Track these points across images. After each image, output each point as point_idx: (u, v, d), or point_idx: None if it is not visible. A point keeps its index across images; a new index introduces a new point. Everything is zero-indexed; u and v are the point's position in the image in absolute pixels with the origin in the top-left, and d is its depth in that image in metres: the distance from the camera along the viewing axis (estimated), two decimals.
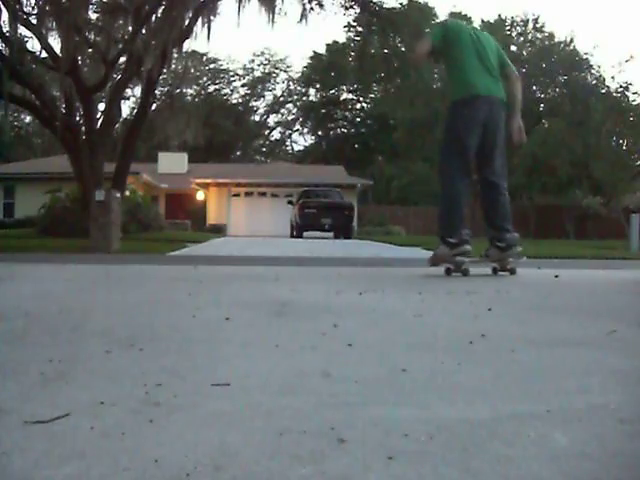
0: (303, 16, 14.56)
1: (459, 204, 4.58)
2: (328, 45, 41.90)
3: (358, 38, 27.22)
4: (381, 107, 36.03)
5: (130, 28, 13.21)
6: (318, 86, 46.53)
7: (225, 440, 1.02)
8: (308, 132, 49.03)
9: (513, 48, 26.39)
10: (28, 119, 38.23)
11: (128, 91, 20.68)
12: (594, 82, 25.09)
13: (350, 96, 46.43)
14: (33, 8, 12.70)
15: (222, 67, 46.68)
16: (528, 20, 26.67)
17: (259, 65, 48.03)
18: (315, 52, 44.34)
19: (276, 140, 51.46)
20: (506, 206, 4.79)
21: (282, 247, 10.22)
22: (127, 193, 14.98)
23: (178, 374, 1.45)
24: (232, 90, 48.04)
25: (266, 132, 50.90)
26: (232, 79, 47.55)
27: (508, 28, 26.74)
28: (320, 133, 47.68)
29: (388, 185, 37.84)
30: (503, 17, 27.06)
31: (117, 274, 4.36)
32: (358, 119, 46.50)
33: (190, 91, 39.30)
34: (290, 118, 50.13)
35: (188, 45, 27.69)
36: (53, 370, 1.47)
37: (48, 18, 12.00)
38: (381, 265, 5.97)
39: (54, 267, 4.84)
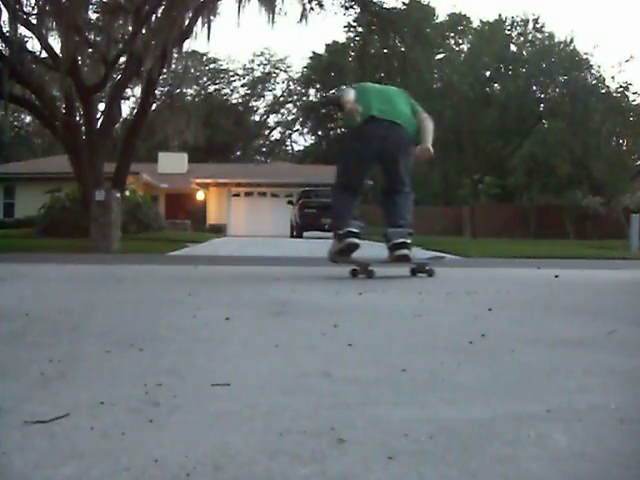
0: (303, 16, 14.56)
1: (347, 194, 4.68)
2: (328, 45, 41.87)
3: (358, 38, 27.20)
4: None
5: (130, 28, 13.21)
6: (318, 86, 46.51)
7: (225, 440, 1.02)
8: (308, 132, 49.01)
9: (513, 48, 26.37)
10: (28, 119, 38.22)
11: (128, 91, 20.69)
12: (594, 82, 25.06)
13: None
14: (33, 8, 12.70)
15: (222, 67, 46.68)
16: (528, 20, 26.60)
17: (259, 65, 48.03)
18: (315, 52, 44.33)
19: (276, 140, 51.45)
20: (399, 204, 4.64)
21: (282, 247, 10.22)
22: (127, 193, 14.98)
23: (178, 374, 1.45)
24: (232, 90, 48.03)
25: (266, 132, 50.90)
26: (232, 79, 47.55)
27: (508, 28, 26.68)
28: (320, 133, 47.66)
29: None
30: (503, 17, 27.02)
31: (117, 274, 4.36)
32: None
33: (190, 91, 39.28)
34: (290, 118, 50.12)
35: (188, 45, 27.69)
36: (53, 370, 1.47)
37: (48, 18, 12.00)
38: (381, 265, 5.96)
39: (54, 267, 4.83)
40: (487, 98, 25.45)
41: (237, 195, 29.60)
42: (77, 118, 13.73)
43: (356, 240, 4.52)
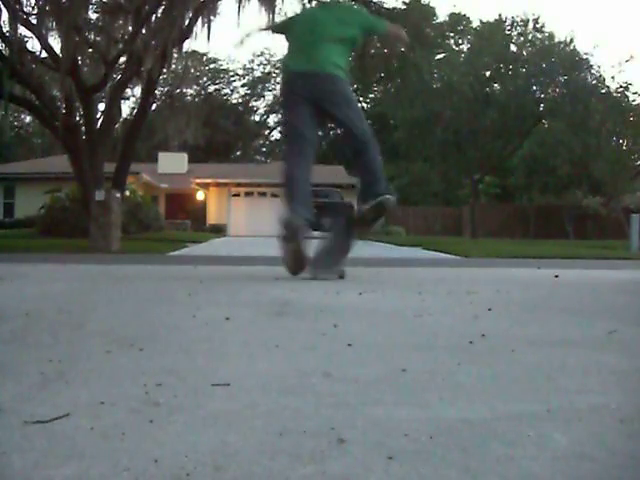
0: None
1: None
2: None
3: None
4: (381, 107, 36.02)
5: (130, 28, 13.21)
6: None
7: (225, 440, 1.02)
8: None
9: (513, 48, 26.38)
10: (28, 119, 38.23)
11: (128, 91, 20.70)
12: (594, 82, 25.07)
13: None
14: (33, 8, 12.70)
15: (222, 67, 46.68)
16: (528, 20, 26.62)
17: (259, 65, 48.01)
18: None
19: (276, 140, 51.45)
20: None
21: None
22: (127, 193, 14.99)
23: (178, 374, 1.45)
24: (232, 90, 48.04)
25: (266, 132, 50.90)
26: (232, 79, 47.55)
27: (508, 28, 26.70)
28: (320, 133, 47.65)
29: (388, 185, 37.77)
30: (503, 17, 27.04)
31: (117, 274, 4.36)
32: None
33: (190, 91, 39.29)
34: None
35: (188, 45, 27.66)
36: (53, 370, 1.47)
37: (48, 18, 12.00)
38: (381, 265, 5.97)
39: (54, 267, 4.84)
40: (487, 98, 25.45)
41: (237, 195, 29.62)
42: (77, 118, 13.73)
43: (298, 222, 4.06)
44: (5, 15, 11.63)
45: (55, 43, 13.26)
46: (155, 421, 1.11)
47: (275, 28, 4.95)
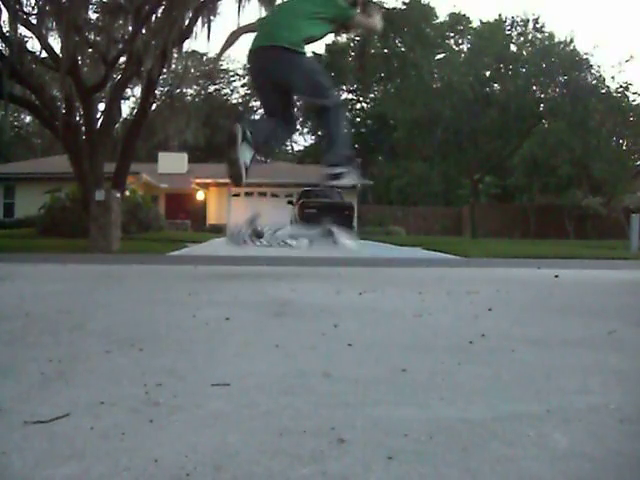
0: None
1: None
2: (328, 45, 41.89)
3: (358, 38, 27.23)
4: (381, 107, 36.03)
5: (130, 28, 13.21)
6: None
7: (225, 440, 1.02)
8: (308, 132, 49.05)
9: (513, 48, 26.38)
10: (28, 119, 38.23)
11: (128, 91, 20.68)
12: (594, 82, 25.08)
13: (350, 96, 46.42)
14: (33, 8, 12.70)
15: (222, 67, 46.68)
16: (528, 20, 26.63)
17: None
18: (315, 52, 44.31)
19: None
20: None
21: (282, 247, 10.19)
22: (127, 193, 14.99)
23: (178, 374, 1.45)
24: (232, 90, 48.06)
25: None
26: (232, 79, 47.56)
27: (508, 28, 26.71)
28: (320, 133, 47.66)
29: (388, 185, 37.84)
30: (503, 17, 27.05)
31: (117, 274, 4.36)
32: (358, 119, 46.50)
33: (190, 91, 39.30)
34: None
35: (188, 45, 27.72)
36: (53, 370, 1.47)
37: (48, 18, 11.99)
38: (381, 265, 5.97)
39: (54, 267, 4.83)
40: (487, 98, 25.46)
41: (237, 195, 29.61)
42: (77, 118, 13.72)
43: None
44: (5, 15, 11.63)
45: (55, 43, 13.28)
46: (155, 421, 1.11)
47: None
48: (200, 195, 29.31)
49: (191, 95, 39.63)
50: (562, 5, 60.68)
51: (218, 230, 25.32)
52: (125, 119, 23.58)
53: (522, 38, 26.60)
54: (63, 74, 11.91)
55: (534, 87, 26.09)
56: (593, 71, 25.15)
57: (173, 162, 30.86)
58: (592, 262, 6.99)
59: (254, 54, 4.21)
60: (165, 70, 14.56)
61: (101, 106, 16.08)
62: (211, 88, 46.50)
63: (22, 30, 13.04)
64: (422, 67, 24.49)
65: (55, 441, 1.00)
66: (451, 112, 25.14)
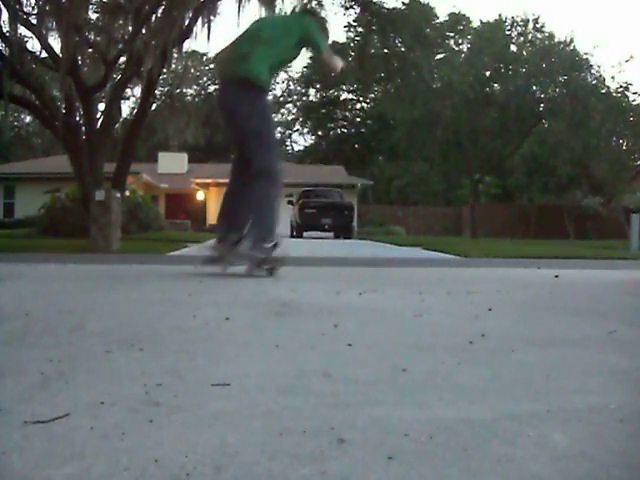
0: None
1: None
2: (328, 45, 41.84)
3: (358, 38, 27.23)
4: (381, 107, 36.04)
5: (130, 28, 13.21)
6: (318, 86, 46.52)
7: (225, 440, 1.02)
8: (308, 132, 49.09)
9: (513, 48, 26.38)
10: (28, 119, 38.23)
11: (128, 91, 20.66)
12: (594, 82, 25.07)
13: (350, 96, 46.44)
14: (33, 8, 12.70)
15: None
16: (528, 20, 26.62)
17: None
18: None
19: (276, 140, 51.43)
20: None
21: (282, 247, 10.19)
22: (127, 193, 14.98)
23: (178, 374, 1.45)
24: None
25: None
26: None
27: (508, 28, 26.71)
28: (320, 133, 47.70)
29: (388, 185, 37.85)
30: (503, 17, 27.05)
31: (117, 274, 4.36)
32: (358, 119, 46.53)
33: (190, 91, 39.28)
34: (290, 118, 50.15)
35: (188, 45, 27.72)
36: (53, 370, 1.47)
37: (48, 18, 11.99)
38: (381, 265, 5.97)
39: (54, 267, 4.83)
40: (487, 98, 25.47)
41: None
42: (77, 118, 13.72)
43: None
44: (5, 15, 11.63)
45: (55, 43, 13.27)
46: (155, 421, 1.11)
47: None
48: (200, 195, 29.32)
49: (191, 95, 39.61)
50: (562, 5, 60.71)
51: None
52: (125, 119, 23.57)
53: (522, 38, 26.60)
54: (63, 74, 11.91)
55: (534, 87, 26.09)
56: (593, 71, 25.15)
57: (173, 162, 30.88)
58: (592, 262, 6.99)
59: (221, 84, 4.05)
60: (165, 70, 14.56)
61: (101, 106, 16.09)
62: (211, 88, 46.48)
63: (22, 30, 13.06)
64: (422, 67, 24.48)
65: (55, 441, 1.00)
66: (451, 112, 25.14)
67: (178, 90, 21.19)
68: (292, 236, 20.90)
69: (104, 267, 4.97)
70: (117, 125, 18.39)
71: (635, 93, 25.06)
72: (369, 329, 2.14)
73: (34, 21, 12.57)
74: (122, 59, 14.05)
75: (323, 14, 15.43)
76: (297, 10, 4.31)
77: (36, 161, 30.37)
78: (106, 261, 5.93)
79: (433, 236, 23.85)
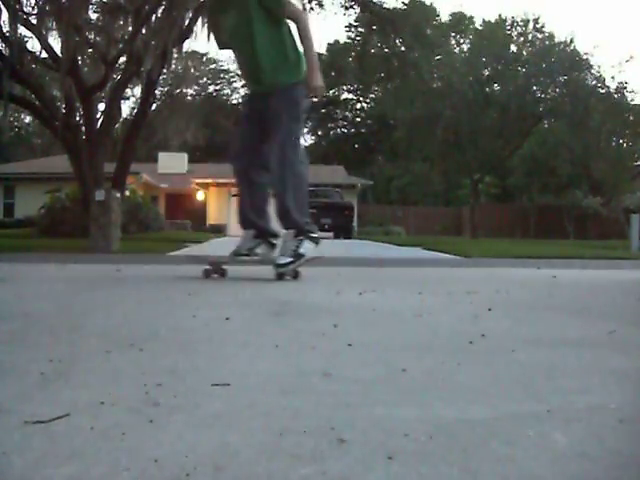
0: None
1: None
2: (329, 45, 41.91)
3: (359, 38, 27.24)
4: (381, 107, 36.04)
5: (130, 28, 13.21)
6: None
7: (225, 440, 1.02)
8: (308, 132, 49.06)
9: (513, 48, 26.39)
10: (28, 119, 38.23)
11: (128, 91, 20.68)
12: (594, 82, 25.08)
13: (350, 96, 46.43)
14: (33, 8, 12.69)
15: (222, 67, 46.69)
16: (528, 20, 26.65)
17: None
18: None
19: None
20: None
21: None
22: (127, 193, 14.99)
23: (178, 374, 1.45)
24: (232, 90, 48.07)
25: None
26: (232, 79, 47.57)
27: (508, 28, 26.72)
28: (320, 133, 47.71)
29: (388, 185, 37.85)
30: (503, 17, 27.07)
31: (117, 274, 4.35)
32: (358, 119, 46.52)
33: (190, 91, 39.29)
34: None
35: (188, 45, 27.74)
36: (53, 370, 1.47)
37: (48, 18, 11.99)
38: (381, 265, 5.97)
39: (54, 267, 4.83)
40: (487, 98, 25.47)
41: (237, 195, 29.57)
42: (77, 118, 13.73)
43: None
44: (5, 15, 11.63)
45: (55, 43, 13.26)
46: (155, 421, 1.11)
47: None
48: (200, 195, 29.31)
49: (191, 95, 39.62)
50: (562, 5, 60.73)
51: (218, 230, 25.33)
52: (125, 119, 23.58)
53: (522, 38, 26.61)
54: (63, 74, 11.91)
55: (534, 87, 26.09)
56: (593, 71, 25.16)
57: (173, 162, 30.86)
58: (592, 262, 6.98)
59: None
60: (165, 70, 14.56)
61: (101, 106, 16.09)
62: (211, 88, 46.51)
63: (22, 30, 13.05)
64: (422, 67, 24.48)
65: (55, 441, 1.00)
66: (451, 112, 25.14)
67: (178, 90, 21.19)
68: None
69: (104, 267, 4.97)
70: (117, 125, 18.39)
71: (632, 92, 25.07)
72: (369, 329, 2.14)
73: (34, 21, 12.57)
74: (122, 59, 14.05)
75: (323, 14, 15.40)
76: None
77: (36, 161, 30.36)
78: (106, 261, 5.93)
79: (433, 236, 23.85)
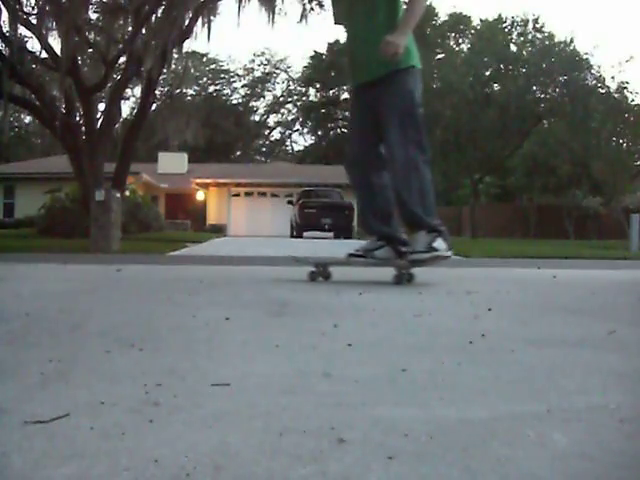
0: (303, 16, 14.55)
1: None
2: (330, 44, 41.92)
3: None
4: None
5: (130, 28, 13.22)
6: (318, 86, 46.56)
7: (225, 440, 1.02)
8: (308, 132, 49.09)
9: (513, 48, 26.37)
10: (28, 119, 38.22)
11: (128, 91, 20.69)
12: (594, 82, 25.07)
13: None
14: (33, 8, 12.71)
15: (222, 67, 46.71)
16: (528, 20, 26.61)
17: (259, 65, 48.07)
18: (316, 52, 44.39)
19: (276, 140, 51.48)
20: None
21: (282, 247, 10.21)
22: (127, 193, 14.99)
23: (178, 374, 1.45)
24: (232, 90, 48.10)
25: (266, 132, 50.92)
26: (232, 79, 47.60)
27: (508, 28, 26.71)
28: (320, 133, 47.71)
29: None
30: (503, 17, 27.05)
31: (117, 274, 4.35)
32: None
33: (190, 91, 39.29)
34: (290, 118, 50.18)
35: (188, 45, 27.69)
36: (53, 370, 1.47)
37: (48, 18, 12.00)
38: (381, 265, 5.96)
39: (54, 267, 4.83)
40: (487, 98, 25.45)
41: (237, 195, 29.62)
42: (77, 118, 13.74)
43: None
44: (5, 15, 11.64)
45: (55, 43, 13.26)
46: (155, 421, 1.11)
47: None
48: (200, 195, 29.31)
49: (191, 95, 39.62)
50: (562, 5, 60.74)
51: (218, 230, 25.33)
52: (125, 119, 23.58)
53: (522, 38, 26.59)
54: (63, 74, 11.92)
55: (534, 87, 26.07)
56: (593, 71, 25.13)
57: (173, 162, 30.87)
58: (592, 262, 6.98)
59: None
60: (165, 70, 14.56)
61: (101, 106, 16.09)
62: (211, 88, 46.51)
63: (22, 30, 13.06)
64: (422, 67, 24.45)
65: (55, 441, 1.00)
66: (451, 112, 25.12)
67: (178, 90, 21.19)
68: (292, 236, 20.91)
69: (104, 267, 4.97)
70: (117, 125, 18.39)
71: (630, 92, 25.03)
72: (369, 329, 2.14)
73: (34, 21, 12.58)
74: (122, 59, 14.06)
75: (323, 14, 15.45)
76: None
77: (36, 161, 30.35)
78: (106, 261, 5.93)
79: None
